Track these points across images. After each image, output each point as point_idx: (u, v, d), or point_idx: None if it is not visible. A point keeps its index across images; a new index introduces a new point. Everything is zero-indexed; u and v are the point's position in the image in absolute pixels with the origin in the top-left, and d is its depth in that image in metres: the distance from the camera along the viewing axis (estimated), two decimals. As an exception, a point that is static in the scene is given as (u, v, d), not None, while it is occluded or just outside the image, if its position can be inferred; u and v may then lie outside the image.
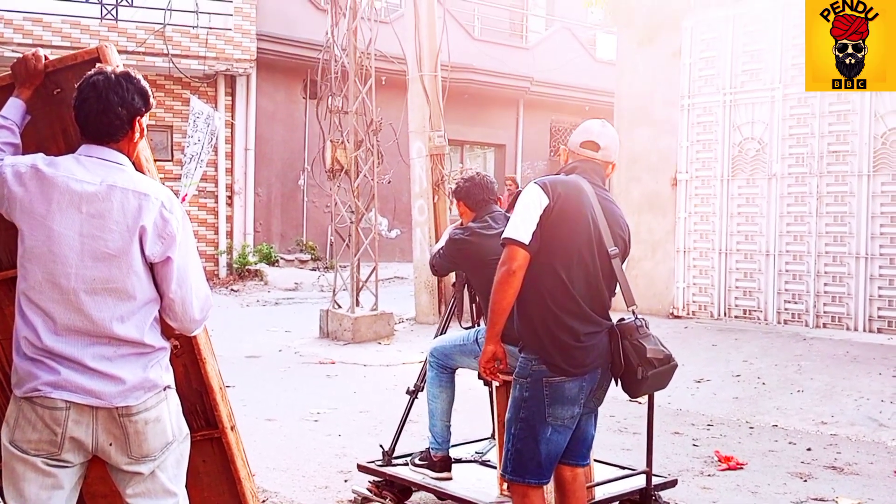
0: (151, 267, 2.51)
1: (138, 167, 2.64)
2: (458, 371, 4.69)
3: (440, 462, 4.64)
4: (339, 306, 10.78)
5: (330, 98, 10.64)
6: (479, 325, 4.72)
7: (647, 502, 4.46)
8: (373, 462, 4.90)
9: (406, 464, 4.80)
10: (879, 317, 9.08)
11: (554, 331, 3.27)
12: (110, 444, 2.50)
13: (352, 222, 10.74)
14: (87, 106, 2.52)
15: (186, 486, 2.68)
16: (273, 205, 16.91)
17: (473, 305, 4.86)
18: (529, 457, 3.30)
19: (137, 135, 2.60)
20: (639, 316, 3.42)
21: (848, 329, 9.18)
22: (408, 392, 4.98)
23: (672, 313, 10.62)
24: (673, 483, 4.68)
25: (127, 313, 2.47)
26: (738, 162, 10.17)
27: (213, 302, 2.66)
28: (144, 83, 2.60)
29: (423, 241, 11.17)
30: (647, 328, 3.43)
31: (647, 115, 11.15)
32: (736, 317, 10.14)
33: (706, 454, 5.82)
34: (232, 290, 14.94)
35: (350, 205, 10.77)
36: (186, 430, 2.67)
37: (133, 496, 2.57)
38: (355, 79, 10.43)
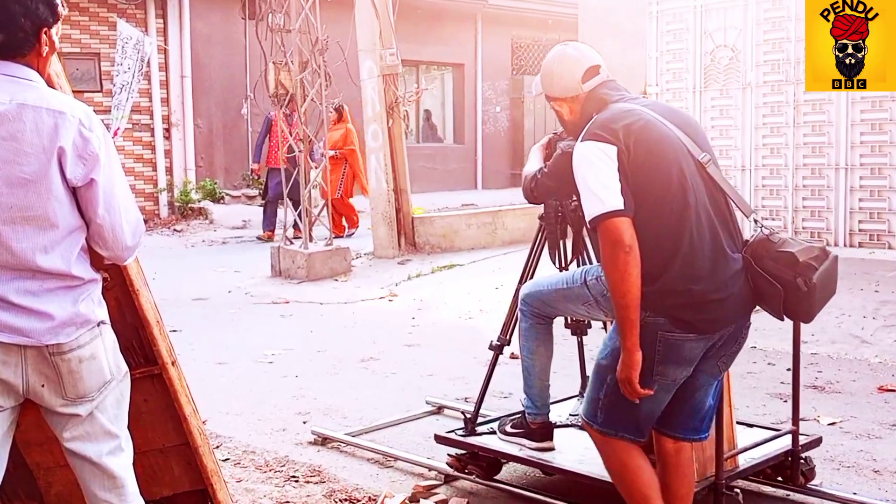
0: (74, 192, 2.45)
1: (49, 83, 2.56)
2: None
3: (540, 429, 4.07)
4: (292, 242, 10.73)
5: (270, 16, 10.42)
6: (579, 263, 4.20)
7: (795, 466, 4.00)
8: (453, 432, 4.37)
9: (493, 432, 4.28)
10: (860, 230, 9.23)
11: (683, 286, 2.84)
12: (42, 386, 2.47)
13: (300, 152, 10.63)
14: None
15: (129, 428, 2.67)
16: (215, 137, 16.67)
17: (559, 240, 4.26)
18: (626, 412, 2.96)
19: (46, 49, 2.51)
20: (763, 224, 3.01)
21: (828, 244, 9.30)
22: (491, 347, 4.42)
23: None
24: (818, 441, 4.23)
25: (50, 243, 2.42)
26: (711, 72, 10.18)
27: (143, 227, 2.62)
28: None
29: (378, 170, 11.09)
30: (778, 232, 2.99)
31: (613, 26, 11.07)
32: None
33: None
34: (175, 230, 14.80)
35: (298, 133, 10.64)
36: (125, 367, 2.65)
37: (71, 440, 2.55)
38: (297, -6, 10.22)
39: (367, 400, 5.71)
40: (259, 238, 13.17)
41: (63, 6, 2.56)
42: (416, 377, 6.23)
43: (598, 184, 2.82)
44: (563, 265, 4.25)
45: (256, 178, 14.24)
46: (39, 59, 2.51)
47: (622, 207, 2.78)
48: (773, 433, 4.13)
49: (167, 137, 15.88)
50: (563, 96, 3.21)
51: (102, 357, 2.54)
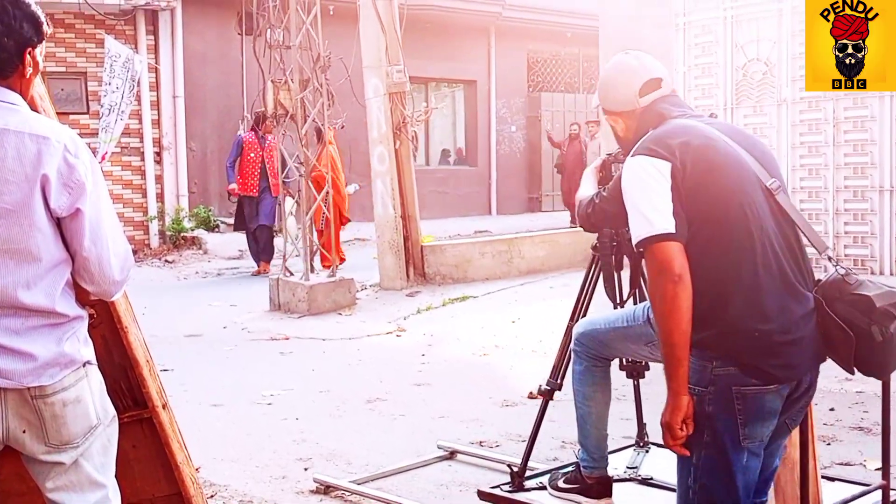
0: (58, 223, 2.46)
1: (32, 106, 2.59)
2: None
3: (597, 484, 3.93)
4: (292, 274, 10.75)
5: (269, 31, 10.51)
6: (637, 298, 4.15)
7: None
8: (498, 487, 4.24)
9: (542, 487, 4.16)
10: (908, 257, 9.20)
11: (749, 326, 2.70)
12: (24, 431, 2.47)
13: (301, 176, 10.68)
14: None
15: (116, 477, 2.67)
16: (209, 160, 16.75)
17: (614, 272, 4.21)
18: (723, 494, 2.77)
19: (30, 70, 2.53)
20: (839, 263, 2.85)
21: (873, 273, 9.29)
22: (540, 392, 4.34)
23: (674, 265, 10.67)
24: None
25: (33, 278, 2.43)
26: (743, 87, 10.20)
27: (133, 260, 2.63)
28: (36, 8, 2.54)
29: (384, 195, 11.13)
30: (854, 273, 2.84)
31: (636, 39, 11.09)
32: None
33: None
34: (166, 261, 14.85)
35: (298, 156, 10.69)
36: (113, 411, 2.65)
37: (54, 490, 2.54)
38: (297, 7, 10.30)
39: (373, 444, 5.69)
40: (254, 273, 13.08)
41: (48, 24, 2.59)
42: (427, 419, 6.21)
43: (647, 203, 2.71)
44: (621, 301, 4.20)
45: (235, 199, 14.19)
46: (22, 81, 2.53)
47: (673, 231, 2.66)
48: (861, 489, 3.99)
49: (158, 162, 15.97)
50: (618, 110, 3.13)
51: (88, 400, 2.54)
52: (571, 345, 3.93)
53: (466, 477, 5.03)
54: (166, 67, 15.92)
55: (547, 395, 4.30)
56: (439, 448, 5.45)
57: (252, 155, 12.82)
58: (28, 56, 2.51)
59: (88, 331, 2.61)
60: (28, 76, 2.54)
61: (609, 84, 3.17)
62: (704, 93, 10.51)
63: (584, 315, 4.13)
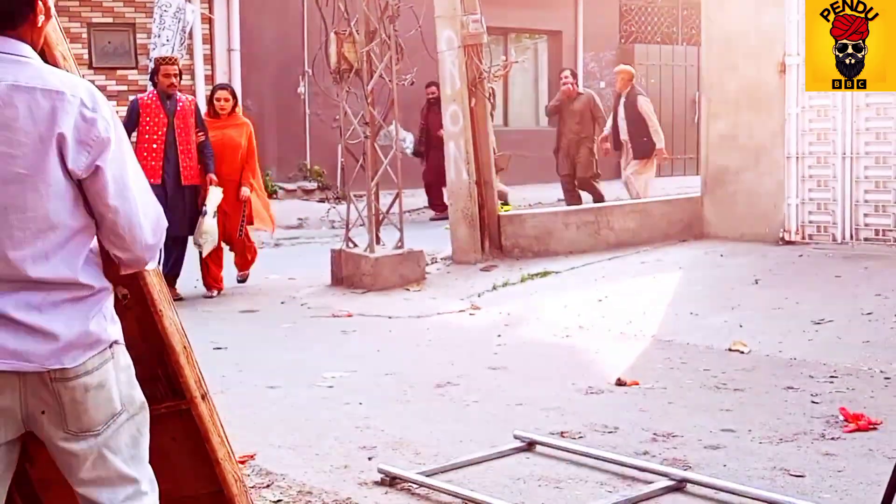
0: (80, 186, 2.45)
1: (54, 65, 2.59)
2: None
3: None
4: (356, 245, 10.75)
5: (332, -23, 10.46)
6: None
7: None
8: None
9: None
10: None
11: None
12: (42, 412, 2.48)
13: (366, 137, 10.64)
14: None
15: (155, 471, 2.68)
16: (267, 120, 16.83)
17: None
18: None
19: (42, 17, 2.52)
20: None
21: None
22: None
23: (782, 238, 10.46)
24: None
25: (51, 247, 2.42)
26: None
27: (166, 222, 2.62)
28: None
29: (458, 159, 11.06)
30: None
31: (744, -19, 10.85)
32: (866, 239, 9.97)
33: (829, 413, 5.77)
34: (221, 230, 14.99)
35: (364, 115, 10.65)
36: (141, 398, 2.65)
37: (81, 484, 2.56)
38: (363, -50, 10.26)
39: (443, 433, 5.67)
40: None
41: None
42: (503, 406, 6.17)
43: None
44: None
45: None
46: (34, 31, 2.52)
47: None
48: None
49: (212, 121, 16.10)
50: None
51: (112, 385, 2.55)
52: None
53: (546, 471, 4.98)
54: (221, 18, 16.04)
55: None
56: (516, 438, 5.41)
57: (150, 124, 9.39)
58: (39, 3, 2.50)
59: (121, 312, 2.60)
60: (40, 25, 2.53)
61: None
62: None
63: None
